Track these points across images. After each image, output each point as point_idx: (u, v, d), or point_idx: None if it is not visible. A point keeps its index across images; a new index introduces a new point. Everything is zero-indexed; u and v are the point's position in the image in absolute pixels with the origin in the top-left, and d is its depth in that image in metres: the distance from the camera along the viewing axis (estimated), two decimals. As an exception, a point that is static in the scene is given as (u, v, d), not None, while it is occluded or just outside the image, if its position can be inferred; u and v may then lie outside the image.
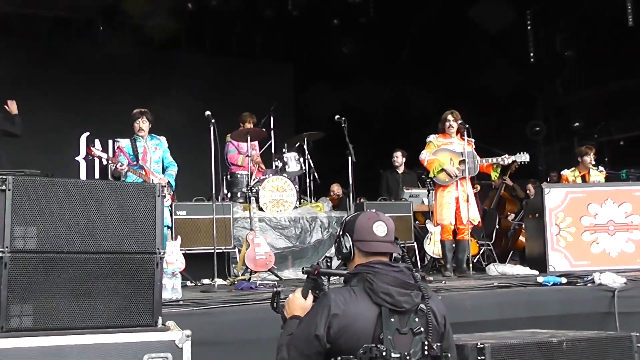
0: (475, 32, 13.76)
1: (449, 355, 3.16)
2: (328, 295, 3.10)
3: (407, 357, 3.00)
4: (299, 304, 3.24)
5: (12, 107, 8.22)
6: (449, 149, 8.21)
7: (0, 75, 12.09)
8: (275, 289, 3.52)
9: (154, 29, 15.22)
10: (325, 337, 3.00)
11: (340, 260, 3.32)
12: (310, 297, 3.24)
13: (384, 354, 2.96)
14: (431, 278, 7.74)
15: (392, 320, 3.02)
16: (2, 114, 8.26)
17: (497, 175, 8.76)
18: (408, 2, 14.52)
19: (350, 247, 3.21)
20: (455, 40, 13.87)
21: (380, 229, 3.19)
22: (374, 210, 3.39)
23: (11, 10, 14.26)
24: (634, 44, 12.45)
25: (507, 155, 8.45)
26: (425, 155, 8.13)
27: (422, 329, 3.07)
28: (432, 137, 8.28)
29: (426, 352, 3.05)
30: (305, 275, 3.32)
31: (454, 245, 8.34)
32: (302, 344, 3.05)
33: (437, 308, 3.19)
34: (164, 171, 7.48)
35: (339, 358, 2.99)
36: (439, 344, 3.10)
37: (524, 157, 8.46)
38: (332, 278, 3.32)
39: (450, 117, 8.25)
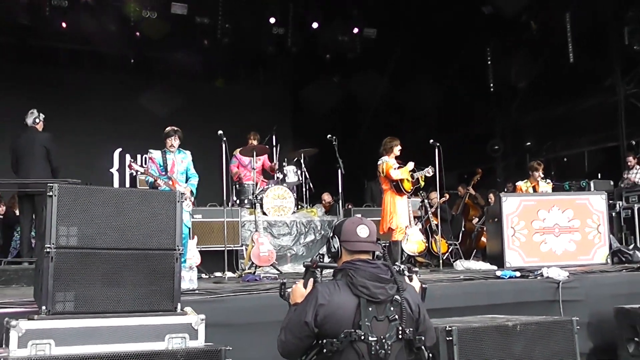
0: (444, 65, 13.86)
1: (423, 337, 3.17)
2: (316, 288, 3.12)
3: (383, 340, 3.02)
4: (300, 292, 3.24)
5: None
6: (402, 167, 8.13)
7: (49, 101, 12.12)
8: (281, 281, 3.53)
9: (176, 63, 15.36)
10: (313, 323, 3.02)
11: (330, 258, 3.33)
12: (310, 286, 3.24)
13: (362, 337, 2.98)
14: (417, 269, 7.69)
15: (370, 309, 3.03)
16: (52, 138, 8.27)
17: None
18: (387, 42, 14.64)
19: (338, 247, 3.22)
20: (427, 72, 13.94)
21: (363, 231, 3.20)
22: (359, 216, 3.41)
23: (59, 46, 14.40)
24: (574, 76, 12.59)
25: (429, 169, 8.27)
26: (397, 173, 8.01)
27: (396, 316, 3.07)
28: (388, 159, 8.05)
29: (400, 336, 3.06)
30: (305, 269, 3.33)
31: None
32: (295, 328, 3.08)
33: (412, 298, 3.19)
34: (186, 181, 7.42)
35: (324, 341, 3.01)
36: (411, 329, 3.11)
37: (431, 171, 8.32)
38: (325, 271, 3.33)
39: (399, 144, 8.17)
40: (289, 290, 3.32)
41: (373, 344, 2.99)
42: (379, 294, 3.05)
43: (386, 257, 3.24)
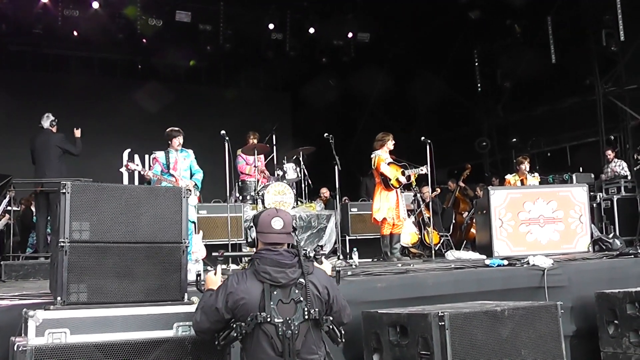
0: (434, 68, 13.86)
1: (332, 318, 3.21)
2: (227, 277, 3.20)
3: (289, 321, 3.07)
4: (211, 279, 3.37)
5: (77, 132, 8.54)
6: (394, 163, 8.12)
7: (62, 105, 12.13)
8: (197, 273, 3.68)
9: (181, 68, 15.36)
10: (223, 309, 3.11)
11: (248, 247, 3.42)
12: (219, 273, 3.36)
13: (268, 319, 3.04)
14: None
15: (275, 293, 3.09)
16: (65, 138, 8.36)
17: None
18: (380, 46, 14.63)
19: (254, 237, 3.27)
20: (419, 75, 13.93)
21: (277, 223, 3.21)
22: (275, 208, 3.39)
23: (70, 54, 14.46)
24: (556, 77, 12.65)
25: (423, 167, 8.14)
26: (386, 168, 8.01)
27: (301, 298, 3.11)
28: (381, 152, 8.04)
29: (306, 317, 3.10)
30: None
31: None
32: (208, 312, 3.17)
33: (319, 281, 3.21)
34: (191, 177, 7.44)
35: (235, 325, 3.10)
36: (317, 309, 3.14)
37: (424, 170, 8.20)
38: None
39: (392, 138, 8.16)
40: (203, 282, 3.44)
41: (279, 325, 3.05)
42: (280, 278, 3.10)
43: (297, 245, 3.25)
